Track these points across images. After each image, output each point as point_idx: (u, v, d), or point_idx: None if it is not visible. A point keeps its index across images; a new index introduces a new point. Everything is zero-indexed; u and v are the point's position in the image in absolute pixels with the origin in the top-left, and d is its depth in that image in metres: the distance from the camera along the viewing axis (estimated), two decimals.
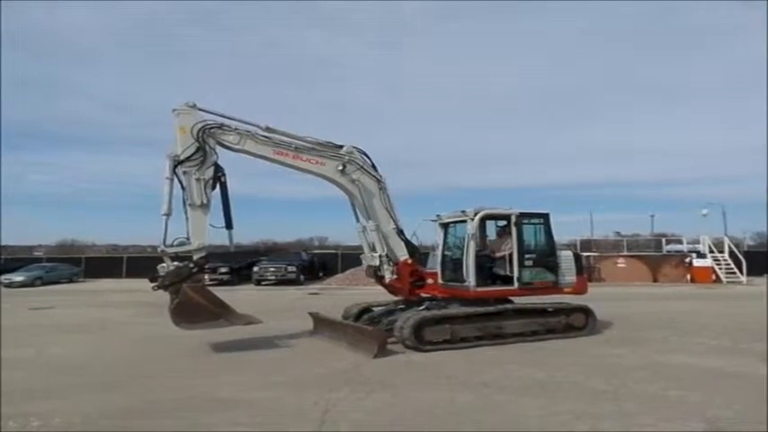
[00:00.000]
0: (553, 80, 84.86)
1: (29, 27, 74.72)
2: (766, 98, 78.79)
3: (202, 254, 9.05)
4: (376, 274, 10.42)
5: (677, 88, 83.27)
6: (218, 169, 9.36)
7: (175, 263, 8.96)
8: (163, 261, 8.98)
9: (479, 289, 9.87)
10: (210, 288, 9.51)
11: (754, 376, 7.18)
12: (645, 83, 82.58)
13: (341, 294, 20.78)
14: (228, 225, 9.58)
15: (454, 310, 9.72)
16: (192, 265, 8.92)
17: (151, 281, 9.06)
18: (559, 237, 11.45)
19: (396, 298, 10.79)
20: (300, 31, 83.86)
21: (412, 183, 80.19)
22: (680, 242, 32.14)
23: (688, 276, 27.97)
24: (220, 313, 8.82)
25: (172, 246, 8.95)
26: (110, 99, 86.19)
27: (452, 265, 10.65)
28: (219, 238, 9.78)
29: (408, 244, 10.44)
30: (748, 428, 5.12)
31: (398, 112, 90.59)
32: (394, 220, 10.37)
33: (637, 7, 75.67)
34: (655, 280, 28.16)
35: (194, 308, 8.65)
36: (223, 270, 27.79)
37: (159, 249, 8.87)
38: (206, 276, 9.43)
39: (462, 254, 10.17)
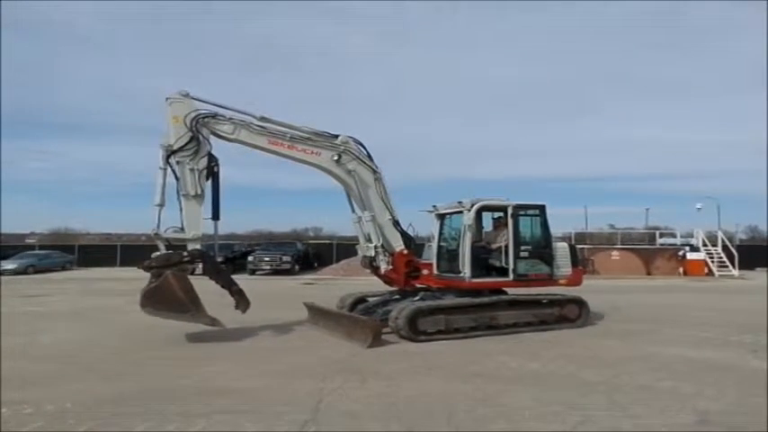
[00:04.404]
0: (551, 73, 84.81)
1: (28, 14, 73.80)
2: (766, 96, 79.10)
3: (197, 245, 9.01)
4: (371, 265, 10.42)
5: (674, 83, 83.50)
6: (212, 159, 9.29)
7: (170, 252, 8.90)
8: (157, 250, 8.91)
9: (474, 280, 9.90)
10: (204, 277, 9.43)
11: (744, 369, 7.24)
12: (641, 77, 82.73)
13: (335, 284, 20.81)
14: (215, 216, 9.48)
15: (449, 300, 9.75)
16: (185, 254, 8.88)
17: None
18: (554, 229, 11.45)
19: (391, 288, 10.80)
20: (303, 21, 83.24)
21: (409, 173, 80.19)
22: (673, 236, 32.34)
23: (681, 269, 28.17)
24: (189, 308, 8.61)
25: (167, 231, 8.90)
26: (106, 87, 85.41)
27: (448, 256, 10.66)
28: (219, 228, 9.73)
29: (404, 235, 10.43)
30: (738, 420, 5.16)
31: (398, 104, 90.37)
32: (390, 211, 10.35)
33: (636, 3, 75.61)
34: (648, 273, 28.34)
35: (168, 296, 8.52)
36: (218, 260, 27.67)
37: (152, 232, 8.80)
38: (200, 265, 9.33)
39: (458, 245, 10.18)
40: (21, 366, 7.43)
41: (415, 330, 8.97)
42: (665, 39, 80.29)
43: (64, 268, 32.64)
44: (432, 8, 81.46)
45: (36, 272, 29.79)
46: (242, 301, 9.24)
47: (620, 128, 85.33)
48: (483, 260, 10.23)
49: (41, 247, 36.18)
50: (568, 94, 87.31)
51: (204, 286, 9.07)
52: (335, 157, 9.93)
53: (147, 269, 8.83)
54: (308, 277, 26.52)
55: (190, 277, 8.83)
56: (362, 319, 9.22)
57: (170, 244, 8.94)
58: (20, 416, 5.24)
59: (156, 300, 8.61)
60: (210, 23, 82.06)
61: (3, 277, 27.30)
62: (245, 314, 9.37)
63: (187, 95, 9.16)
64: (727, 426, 5.01)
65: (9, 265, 29.47)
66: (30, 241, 42.34)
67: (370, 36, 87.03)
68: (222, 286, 9.23)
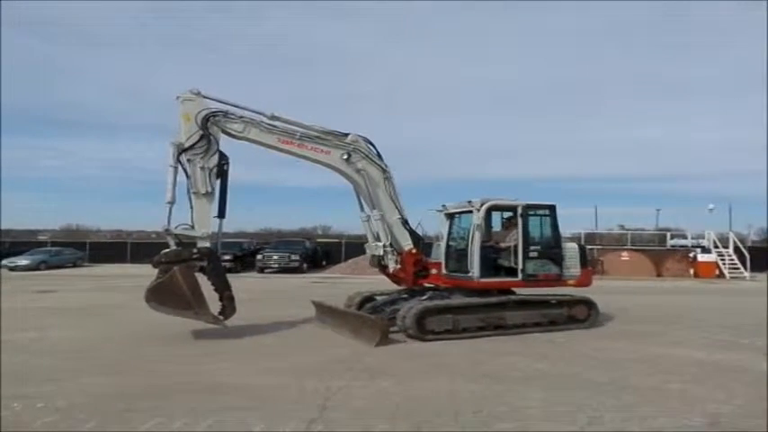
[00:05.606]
0: (558, 73, 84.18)
1: (42, 11, 74.36)
2: (766, 97, 78.28)
3: (206, 243, 9.06)
4: (380, 264, 10.43)
5: (684, 84, 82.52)
6: (222, 157, 9.34)
7: (180, 248, 8.97)
8: (167, 248, 8.99)
9: (483, 280, 9.88)
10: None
11: (755, 371, 7.17)
12: (652, 78, 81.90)
13: (344, 283, 20.84)
14: (221, 214, 9.50)
15: (457, 300, 9.74)
16: (194, 251, 8.94)
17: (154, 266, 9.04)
18: (564, 229, 11.40)
19: (399, 287, 10.80)
20: (305, 20, 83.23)
21: (418, 173, 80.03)
22: (684, 237, 32.03)
23: (691, 271, 27.92)
24: (193, 305, 8.63)
25: (177, 228, 8.96)
26: (119, 86, 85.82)
27: (457, 256, 10.65)
28: (229, 226, 9.76)
29: (413, 234, 10.43)
30: (748, 423, 5.12)
31: (406, 103, 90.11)
32: (399, 210, 10.35)
33: (642, 5, 75.03)
34: (658, 274, 28.14)
35: (174, 292, 8.55)
36: (226, 257, 27.80)
37: (163, 228, 8.87)
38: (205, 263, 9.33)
39: (467, 244, 10.16)
40: (32, 361, 7.53)
41: (422, 330, 8.97)
42: (671, 39, 79.51)
43: (75, 265, 32.94)
44: (435, 8, 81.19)
45: (48, 268, 30.07)
46: (229, 309, 9.18)
47: (630, 127, 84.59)
48: (492, 260, 10.21)
49: (53, 244, 36.50)
50: (576, 92, 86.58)
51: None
52: (345, 156, 9.94)
53: (156, 265, 8.90)
54: (316, 275, 26.60)
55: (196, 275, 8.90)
56: (370, 318, 9.23)
57: (180, 241, 9.01)
58: (32, 410, 5.30)
59: (161, 295, 8.66)
60: (217, 22, 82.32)
61: (16, 273, 27.65)
62: (254, 312, 9.41)
63: (198, 94, 9.22)
64: (737, 429, 4.97)
65: (22, 261, 29.79)
66: (42, 238, 42.69)
67: (374, 35, 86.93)
68: (215, 289, 9.19)
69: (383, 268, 10.44)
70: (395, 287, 10.90)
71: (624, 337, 9.53)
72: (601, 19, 78.40)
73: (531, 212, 10.33)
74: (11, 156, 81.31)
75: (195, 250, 8.93)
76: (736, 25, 76.13)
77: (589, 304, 10.49)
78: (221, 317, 9.11)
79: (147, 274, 9.27)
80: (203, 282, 8.94)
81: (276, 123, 9.70)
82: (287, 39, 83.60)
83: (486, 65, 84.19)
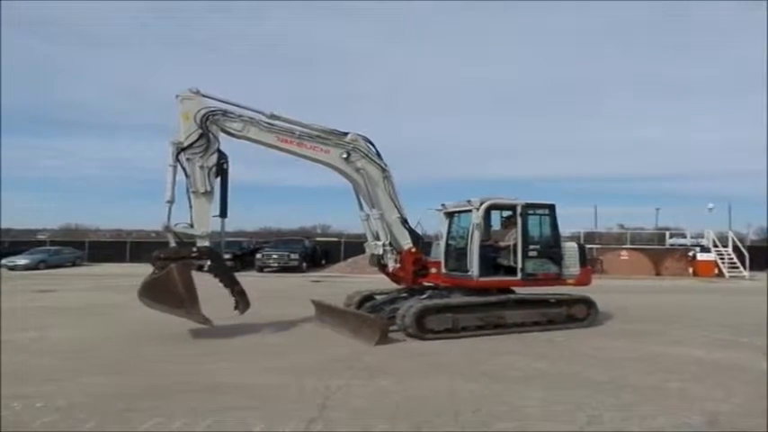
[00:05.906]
0: (558, 73, 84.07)
1: (42, 11, 74.18)
2: (766, 97, 78.30)
3: (206, 242, 9.06)
4: (379, 263, 10.42)
5: (684, 84, 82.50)
6: (222, 156, 9.34)
7: (179, 246, 8.97)
8: (167, 247, 8.99)
9: (482, 279, 9.89)
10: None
11: (754, 370, 7.18)
12: (652, 78, 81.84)
13: (343, 282, 20.84)
14: (223, 213, 9.50)
15: (456, 299, 9.75)
16: (194, 249, 8.94)
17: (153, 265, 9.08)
18: (564, 229, 11.40)
19: (398, 286, 10.81)
20: (309, 21, 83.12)
21: (418, 173, 79.95)
22: (684, 236, 32.03)
23: (690, 270, 27.95)
24: (185, 304, 8.61)
25: (176, 226, 8.96)
26: (119, 86, 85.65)
27: (456, 255, 10.65)
28: (228, 225, 9.77)
29: (412, 233, 10.42)
30: (748, 422, 5.13)
31: (406, 103, 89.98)
32: (398, 209, 10.34)
33: (642, 5, 74.97)
34: (657, 273, 28.16)
35: (168, 289, 8.56)
36: (226, 257, 27.73)
37: (163, 226, 8.87)
38: (208, 262, 9.33)
39: (466, 243, 10.17)
40: (32, 361, 7.52)
41: (422, 329, 8.97)
42: (671, 39, 79.44)
43: (74, 264, 32.89)
44: (435, 8, 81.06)
45: (47, 267, 30.01)
46: (242, 302, 9.27)
47: (630, 128, 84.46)
48: (491, 259, 10.22)
49: (52, 243, 36.43)
50: (575, 92, 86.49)
51: (213, 279, 9.19)
52: (344, 155, 9.93)
53: (154, 261, 8.91)
54: (315, 275, 26.60)
55: (197, 273, 8.91)
56: (370, 317, 9.23)
57: (180, 239, 9.02)
58: (32, 410, 5.30)
59: (155, 291, 8.69)
60: (217, 22, 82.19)
61: (15, 272, 27.62)
62: (253, 311, 9.42)
63: (197, 93, 9.21)
64: (736, 428, 4.98)
65: (21, 260, 29.72)
66: (41, 237, 42.61)
67: (374, 35, 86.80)
68: (225, 285, 9.27)
69: (383, 267, 10.44)
70: (394, 286, 10.90)
71: (623, 336, 9.54)
72: (601, 19, 78.45)
73: (531, 212, 10.33)
74: (11, 156, 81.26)
75: (195, 249, 8.94)
76: (736, 25, 76.26)
77: (588, 303, 10.50)
78: (238, 310, 9.26)
79: (146, 273, 9.28)
80: (200, 282, 8.92)
81: (275, 122, 9.69)
82: (287, 39, 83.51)
83: (486, 65, 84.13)
